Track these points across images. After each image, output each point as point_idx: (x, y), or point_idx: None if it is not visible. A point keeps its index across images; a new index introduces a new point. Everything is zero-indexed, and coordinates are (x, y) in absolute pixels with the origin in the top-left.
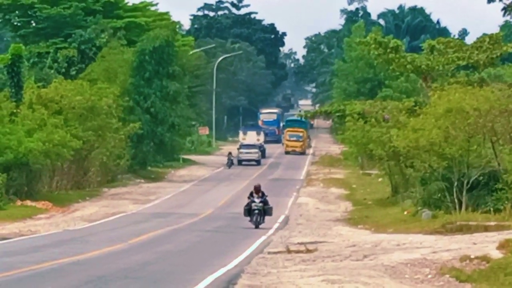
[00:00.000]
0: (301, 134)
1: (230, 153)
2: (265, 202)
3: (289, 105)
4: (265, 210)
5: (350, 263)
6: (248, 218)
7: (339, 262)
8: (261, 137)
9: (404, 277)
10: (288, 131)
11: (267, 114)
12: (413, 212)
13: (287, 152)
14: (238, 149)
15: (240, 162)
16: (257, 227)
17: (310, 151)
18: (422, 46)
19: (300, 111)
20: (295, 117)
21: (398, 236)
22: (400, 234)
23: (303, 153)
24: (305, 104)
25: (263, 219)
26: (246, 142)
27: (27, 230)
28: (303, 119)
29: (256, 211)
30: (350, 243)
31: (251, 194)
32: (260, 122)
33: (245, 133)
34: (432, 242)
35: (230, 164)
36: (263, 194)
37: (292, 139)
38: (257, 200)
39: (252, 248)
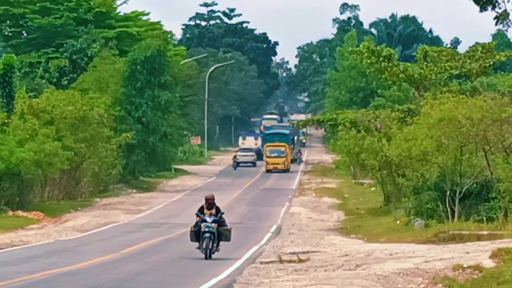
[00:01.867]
0: (283, 149)
1: (235, 156)
2: (220, 222)
3: (282, 113)
4: (220, 233)
5: (342, 272)
6: (196, 244)
7: (331, 271)
8: (259, 142)
9: (397, 287)
10: (268, 146)
11: (268, 120)
12: (406, 222)
13: (268, 171)
14: (236, 152)
15: (238, 164)
16: (208, 257)
17: (301, 167)
18: (415, 55)
19: (291, 119)
20: (275, 130)
21: (391, 246)
22: (392, 243)
23: (286, 170)
24: (297, 119)
25: (218, 245)
26: (244, 146)
27: (19, 241)
28: (285, 132)
29: (207, 235)
30: (342, 252)
31: (200, 210)
32: (262, 127)
33: (244, 138)
34: (424, 252)
35: (235, 166)
36: (218, 210)
37: (273, 155)
38: (208, 219)
39: (244, 258)
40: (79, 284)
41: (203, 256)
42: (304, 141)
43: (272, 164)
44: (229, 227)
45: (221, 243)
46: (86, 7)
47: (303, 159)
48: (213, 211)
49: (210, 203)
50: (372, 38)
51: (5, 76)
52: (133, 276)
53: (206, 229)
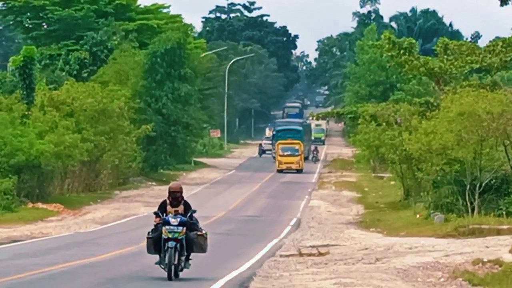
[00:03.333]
0: (297, 147)
1: (260, 144)
2: (190, 225)
3: (303, 106)
4: (191, 241)
5: (362, 266)
6: (156, 256)
7: (351, 265)
8: None
9: (417, 281)
10: (280, 143)
11: (291, 108)
12: (426, 216)
13: (279, 171)
14: (262, 140)
15: (264, 151)
16: (173, 276)
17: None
18: (435, 49)
19: (312, 111)
20: (288, 126)
21: (411, 240)
22: (412, 237)
23: (300, 171)
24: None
25: (188, 259)
26: (270, 136)
27: (39, 233)
28: (298, 128)
29: (171, 244)
30: (362, 246)
31: (161, 208)
32: (285, 115)
33: (270, 129)
34: (444, 246)
35: (261, 153)
36: (187, 206)
37: (285, 153)
38: (173, 221)
39: (264, 251)
40: (99, 276)
41: (165, 273)
42: (323, 138)
43: (285, 163)
44: (203, 231)
45: (193, 254)
46: (107, 0)
47: (320, 158)
48: (180, 208)
49: (176, 196)
50: (392, 32)
51: (25, 68)
52: (153, 268)
53: (170, 236)
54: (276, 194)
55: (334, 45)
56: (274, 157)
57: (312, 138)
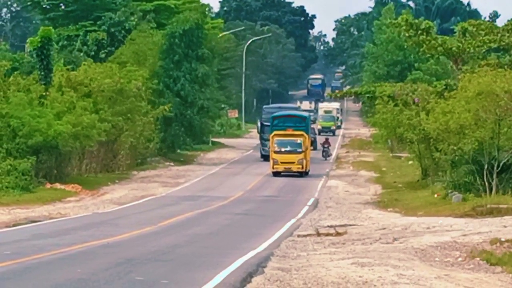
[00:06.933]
0: (299, 140)
1: None
2: None
3: (325, 79)
4: None
5: (380, 246)
6: None
7: (368, 245)
8: (313, 105)
9: (434, 260)
10: (277, 135)
11: (314, 79)
12: (443, 195)
13: (275, 174)
14: None
15: None
16: None
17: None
18: (454, 29)
19: (329, 92)
20: (288, 111)
21: (428, 219)
22: (430, 217)
23: (304, 173)
24: (328, 106)
25: None
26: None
27: (57, 213)
28: (302, 114)
29: None
30: (380, 226)
31: None
32: (309, 86)
33: (301, 102)
34: (462, 225)
35: None
36: None
37: (283, 149)
38: None
39: (282, 231)
40: (117, 257)
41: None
42: (333, 128)
43: (282, 163)
44: None
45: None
46: None
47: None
48: None
49: None
50: (409, 12)
51: (43, 49)
52: (171, 249)
53: None
54: (293, 174)
55: (352, 25)
56: (262, 154)
57: (319, 127)
